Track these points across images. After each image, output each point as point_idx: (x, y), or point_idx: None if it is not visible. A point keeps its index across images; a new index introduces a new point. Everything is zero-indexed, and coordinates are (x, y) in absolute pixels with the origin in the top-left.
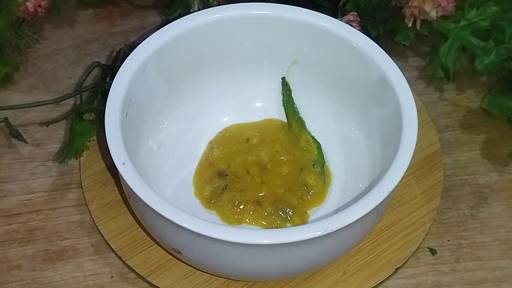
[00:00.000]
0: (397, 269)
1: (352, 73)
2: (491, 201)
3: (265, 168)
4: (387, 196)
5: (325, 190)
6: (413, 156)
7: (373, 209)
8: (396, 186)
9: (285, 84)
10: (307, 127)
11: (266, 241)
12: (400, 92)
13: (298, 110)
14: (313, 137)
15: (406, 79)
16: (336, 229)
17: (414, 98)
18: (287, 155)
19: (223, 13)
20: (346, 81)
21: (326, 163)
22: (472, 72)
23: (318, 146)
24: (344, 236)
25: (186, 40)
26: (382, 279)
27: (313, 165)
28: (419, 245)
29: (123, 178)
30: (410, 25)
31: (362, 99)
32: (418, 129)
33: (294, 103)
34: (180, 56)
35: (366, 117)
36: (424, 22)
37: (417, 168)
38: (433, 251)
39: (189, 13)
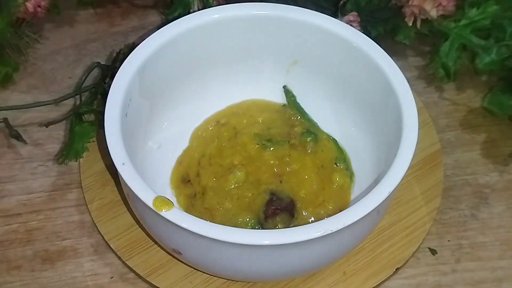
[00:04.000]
0: (397, 269)
1: (352, 73)
2: (491, 201)
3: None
4: (387, 197)
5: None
6: (413, 156)
7: (373, 209)
8: (397, 186)
9: (287, 92)
10: (320, 127)
11: (266, 242)
12: (400, 92)
13: (307, 113)
14: (328, 135)
15: (406, 79)
16: (336, 229)
17: (414, 98)
18: None
19: (222, 13)
20: (346, 82)
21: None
22: (472, 71)
23: (336, 142)
24: (345, 237)
25: (186, 41)
26: (383, 280)
27: (335, 163)
28: (419, 245)
29: (122, 179)
30: (411, 24)
31: (362, 100)
32: (419, 129)
33: (301, 108)
34: (179, 56)
35: (367, 118)
36: (425, 21)
37: (417, 168)
38: (433, 251)
39: (188, 13)
